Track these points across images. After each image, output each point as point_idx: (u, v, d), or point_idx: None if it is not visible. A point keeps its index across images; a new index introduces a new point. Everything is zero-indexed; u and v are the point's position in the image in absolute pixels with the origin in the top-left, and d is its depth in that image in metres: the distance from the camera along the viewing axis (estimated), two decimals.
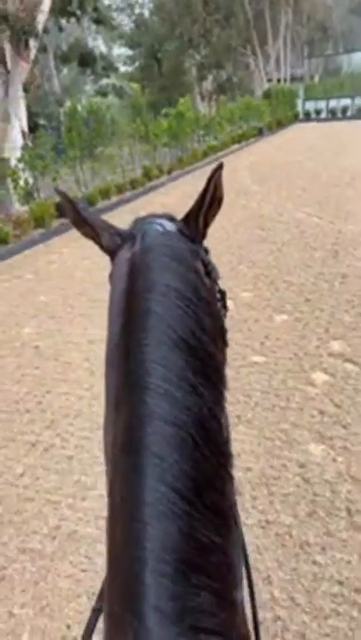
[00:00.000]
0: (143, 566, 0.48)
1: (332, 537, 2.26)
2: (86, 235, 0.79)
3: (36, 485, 2.76)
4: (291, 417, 3.10)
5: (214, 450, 0.59)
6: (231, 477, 0.62)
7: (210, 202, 0.75)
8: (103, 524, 2.41)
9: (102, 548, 2.28)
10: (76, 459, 2.94)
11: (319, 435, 2.93)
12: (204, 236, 0.77)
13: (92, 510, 2.54)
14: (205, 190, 0.74)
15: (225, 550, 0.56)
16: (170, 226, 0.74)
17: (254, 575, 1.06)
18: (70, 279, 6.07)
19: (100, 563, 2.24)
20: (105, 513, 2.06)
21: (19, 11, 8.48)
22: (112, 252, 0.76)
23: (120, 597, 0.49)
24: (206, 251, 0.79)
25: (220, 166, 0.76)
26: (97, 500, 2.59)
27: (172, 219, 0.77)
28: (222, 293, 0.81)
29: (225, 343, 0.77)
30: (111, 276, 0.75)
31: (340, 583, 2.05)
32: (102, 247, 0.77)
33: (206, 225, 0.76)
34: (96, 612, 0.76)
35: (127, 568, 0.49)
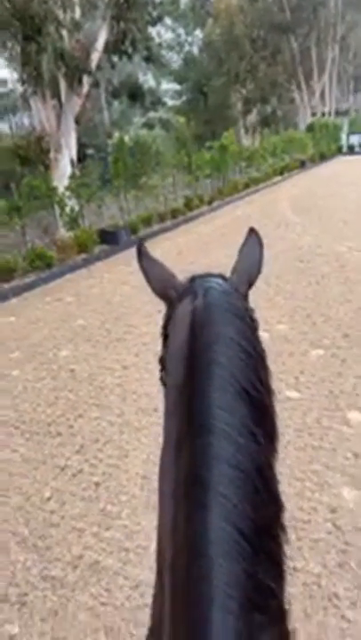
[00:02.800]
0: (210, 603, 0.50)
1: None
2: (148, 279, 0.89)
3: (62, 511, 2.77)
4: (323, 457, 2.99)
5: (271, 498, 0.62)
6: (285, 529, 0.64)
7: (260, 265, 0.86)
8: (126, 556, 2.39)
9: (123, 581, 2.26)
10: (103, 486, 2.93)
11: (352, 478, 2.80)
12: (248, 294, 0.85)
13: (116, 541, 2.51)
14: (258, 255, 0.86)
15: (281, 598, 0.58)
16: (226, 285, 0.80)
17: None
18: (109, 304, 6.19)
19: (121, 597, 2.20)
20: (128, 544, 2.00)
21: (74, 49, 9.01)
22: (169, 302, 0.82)
23: (185, 634, 0.50)
24: (253, 310, 0.85)
25: (253, 230, 0.93)
26: (121, 531, 2.57)
27: (225, 278, 0.83)
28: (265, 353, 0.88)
29: (274, 398, 0.82)
30: (165, 327, 0.82)
31: None
32: (154, 291, 0.87)
33: (251, 284, 0.86)
34: None
35: (194, 604, 0.51)
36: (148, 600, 2.23)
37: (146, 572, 2.30)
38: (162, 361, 0.83)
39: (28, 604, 2.22)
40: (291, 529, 2.51)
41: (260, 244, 0.85)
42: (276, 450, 0.72)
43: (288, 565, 0.66)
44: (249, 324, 0.74)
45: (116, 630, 2.06)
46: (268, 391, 0.71)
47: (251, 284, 0.84)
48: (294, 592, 2.13)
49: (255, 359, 0.69)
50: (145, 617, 2.15)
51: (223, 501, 0.55)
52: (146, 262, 0.88)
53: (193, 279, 0.82)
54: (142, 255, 0.89)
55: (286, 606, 0.61)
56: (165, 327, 0.81)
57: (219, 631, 0.48)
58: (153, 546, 2.45)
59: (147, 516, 2.65)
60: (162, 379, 0.82)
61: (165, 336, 0.82)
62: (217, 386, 0.63)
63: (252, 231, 0.90)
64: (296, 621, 2.01)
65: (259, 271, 0.84)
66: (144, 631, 2.15)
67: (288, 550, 0.66)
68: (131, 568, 2.35)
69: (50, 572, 2.37)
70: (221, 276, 0.83)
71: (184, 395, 0.65)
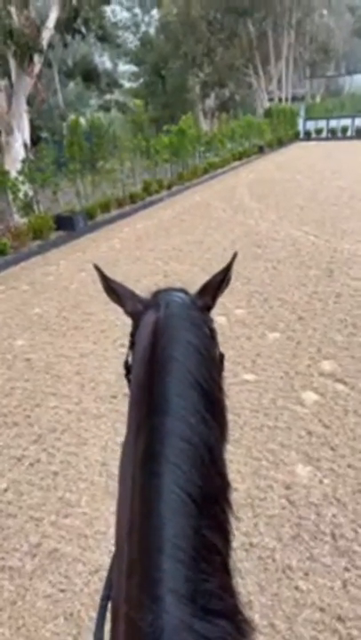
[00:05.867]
0: (161, 553, 0.55)
1: (315, 562, 2.23)
2: (113, 300, 0.97)
3: (20, 501, 2.73)
4: (279, 437, 3.08)
5: (218, 473, 0.70)
6: (229, 503, 0.72)
7: (225, 282, 0.94)
8: (85, 542, 2.39)
9: (82, 567, 2.26)
10: (62, 475, 2.91)
11: (307, 456, 2.91)
12: (212, 306, 0.93)
13: (75, 528, 2.51)
14: (225, 275, 0.93)
15: (225, 555, 0.64)
16: (186, 298, 0.90)
17: None
18: (65, 291, 6.08)
19: (80, 583, 2.21)
20: (87, 531, 2.02)
21: (24, 27, 8.63)
22: (135, 316, 0.91)
23: (139, 584, 0.55)
24: (211, 320, 0.94)
25: (235, 255, 1.01)
26: (80, 518, 2.56)
27: (186, 292, 0.93)
28: (222, 355, 0.95)
29: (223, 393, 0.91)
30: (133, 335, 0.90)
31: (322, 610, 2.02)
32: (126, 311, 0.94)
33: (217, 297, 0.94)
34: (105, 601, 0.82)
35: (146, 556, 0.56)
36: None
37: (105, 556, 2.32)
38: (127, 365, 0.92)
39: None
40: (247, 507, 2.60)
41: (230, 267, 0.94)
42: (225, 439, 0.81)
43: (234, 533, 0.72)
44: (205, 332, 0.84)
45: (76, 615, 2.07)
46: (220, 388, 0.81)
47: (215, 298, 0.93)
48: (249, 566, 2.20)
49: (208, 360, 0.78)
50: None
51: (174, 469, 0.62)
52: (112, 284, 0.96)
53: (157, 293, 0.93)
54: (106, 279, 0.96)
55: (230, 565, 0.66)
56: (132, 335, 0.91)
57: (169, 576, 0.54)
58: (112, 531, 2.46)
59: (106, 502, 2.66)
60: (128, 380, 0.90)
61: (132, 343, 0.91)
62: (173, 377, 0.71)
63: (233, 256, 0.99)
64: (251, 594, 2.08)
65: (221, 287, 0.93)
66: None
67: (234, 522, 0.72)
68: (90, 554, 2.35)
69: (7, 563, 2.35)
70: (183, 290, 0.94)
71: (144, 387, 0.73)
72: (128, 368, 0.92)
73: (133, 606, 0.55)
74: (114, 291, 0.96)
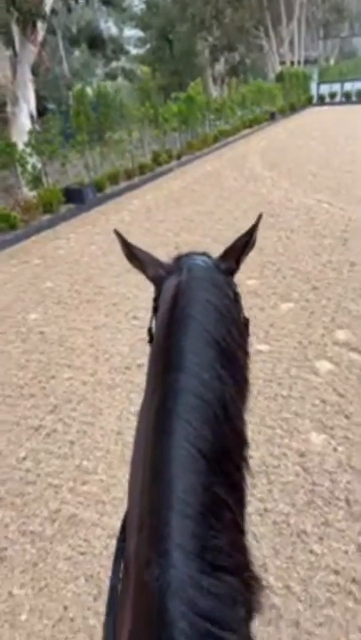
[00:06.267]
0: (170, 510, 0.55)
1: (329, 527, 2.26)
2: (135, 266, 0.96)
3: (38, 469, 2.80)
4: (293, 406, 3.09)
5: (233, 430, 0.68)
6: (245, 461, 0.71)
7: (250, 245, 0.91)
8: (102, 508, 2.44)
9: (101, 531, 2.32)
10: (78, 444, 2.96)
11: (321, 424, 2.91)
12: (236, 270, 0.91)
13: (92, 495, 2.56)
14: (249, 237, 0.90)
15: (236, 513, 0.63)
16: (209, 262, 0.88)
17: None
18: (77, 265, 6.06)
19: (99, 546, 2.27)
20: (105, 497, 2.05)
21: None
22: (157, 281, 0.90)
23: (147, 540, 0.56)
24: (235, 284, 0.93)
25: (260, 216, 0.96)
26: (97, 485, 2.62)
27: (208, 256, 0.92)
28: (246, 320, 0.94)
29: (248, 355, 0.90)
30: (156, 300, 0.90)
31: (337, 573, 2.06)
32: (148, 276, 0.93)
33: (241, 261, 0.92)
34: (121, 542, 0.83)
35: (155, 513, 0.56)
36: None
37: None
38: (150, 332, 0.91)
39: (7, 559, 2.27)
40: (262, 474, 2.62)
41: (255, 229, 0.91)
42: (245, 396, 0.80)
43: (249, 491, 0.70)
44: (227, 293, 0.82)
45: (96, 576, 2.14)
46: (241, 348, 0.79)
47: (239, 261, 0.91)
48: (264, 531, 2.24)
49: (228, 319, 0.77)
50: None
51: (185, 425, 0.62)
52: (133, 250, 0.94)
53: (179, 258, 0.91)
54: (128, 246, 0.94)
55: (242, 523, 0.66)
56: (155, 300, 0.90)
57: (176, 532, 0.53)
58: None
59: (122, 469, 2.70)
60: (150, 346, 0.89)
61: (155, 309, 0.90)
62: (190, 335, 0.71)
63: (258, 218, 0.96)
64: (266, 558, 2.13)
65: (245, 250, 0.91)
66: None
67: (249, 479, 0.72)
68: (107, 519, 2.41)
69: (28, 528, 2.42)
70: (205, 254, 0.92)
71: (162, 345, 0.74)
72: (152, 334, 0.90)
73: (141, 561, 0.55)
74: (135, 257, 0.95)
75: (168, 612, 0.48)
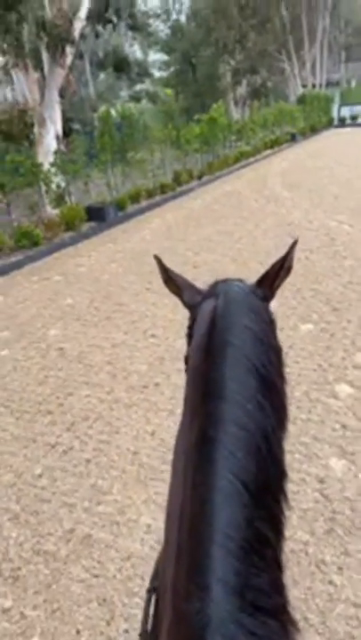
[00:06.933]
0: (212, 543, 0.54)
1: (350, 557, 2.19)
2: (172, 291, 0.97)
3: (53, 487, 2.79)
4: (312, 430, 3.03)
5: (274, 463, 0.67)
6: (285, 494, 0.69)
7: (285, 271, 0.89)
8: (117, 529, 2.42)
9: (115, 554, 2.29)
10: (94, 462, 2.95)
11: (341, 449, 2.85)
12: (272, 297, 0.90)
13: (107, 515, 2.54)
14: (283, 262, 0.88)
15: (277, 549, 0.62)
16: (245, 287, 0.87)
17: None
18: (97, 282, 6.13)
19: (112, 569, 2.24)
20: (119, 518, 2.03)
21: (56, 18, 8.67)
22: (193, 307, 0.90)
23: (187, 572, 0.54)
24: (271, 312, 0.92)
25: (296, 242, 0.94)
26: (112, 505, 2.60)
27: (244, 282, 0.91)
28: (280, 349, 0.91)
29: (285, 383, 0.88)
30: (191, 327, 0.89)
31: (356, 605, 1.98)
32: (183, 302, 0.93)
33: (277, 288, 0.90)
34: (151, 592, 0.82)
35: (196, 545, 0.55)
36: (140, 571, 2.28)
37: (137, 544, 2.34)
38: (187, 360, 0.89)
39: (20, 579, 2.25)
40: None
41: (289, 255, 0.89)
42: (284, 425, 0.78)
43: (286, 526, 0.68)
44: (265, 319, 0.81)
45: (109, 600, 2.10)
46: (281, 376, 0.78)
47: (274, 288, 0.89)
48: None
49: (267, 346, 0.76)
50: (136, 587, 2.19)
51: (229, 455, 0.60)
52: (171, 275, 0.96)
53: (215, 284, 0.91)
54: (166, 271, 0.97)
55: (281, 560, 0.64)
56: (190, 327, 0.89)
57: (218, 566, 0.52)
58: (143, 519, 2.48)
59: (137, 490, 2.68)
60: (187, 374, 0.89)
61: (190, 336, 0.88)
62: (230, 362, 0.69)
63: (293, 244, 0.94)
64: None
65: (280, 276, 0.89)
66: (136, 600, 2.19)
67: (287, 514, 0.70)
68: (122, 541, 2.38)
69: (42, 547, 2.40)
70: (240, 280, 0.92)
71: (201, 371, 0.72)
72: (187, 362, 0.89)
73: (180, 594, 0.54)
74: (173, 281, 0.96)
75: None
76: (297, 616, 1.76)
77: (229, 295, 0.82)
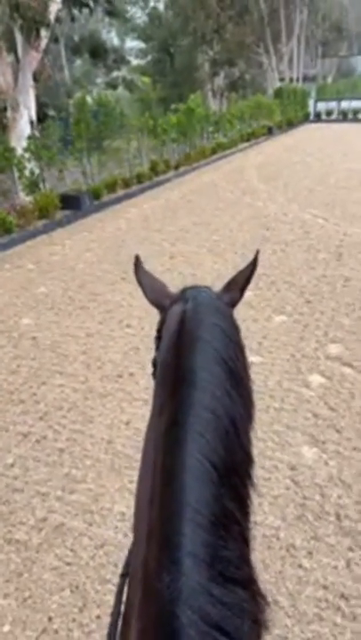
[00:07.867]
0: (181, 518, 0.55)
1: (319, 541, 2.25)
2: (142, 290, 1.02)
3: (26, 476, 2.76)
4: (284, 419, 3.08)
5: (241, 447, 0.69)
6: (251, 478, 0.71)
7: (251, 279, 0.96)
8: (90, 518, 2.41)
9: (88, 541, 2.29)
10: (67, 451, 2.93)
11: (312, 438, 2.91)
12: (239, 300, 0.96)
13: (80, 504, 2.53)
14: (252, 270, 0.96)
15: (244, 527, 0.64)
16: (212, 293, 0.93)
17: None
18: (71, 271, 6.05)
19: (85, 557, 2.24)
20: (93, 507, 2.02)
21: (30, 0, 8.41)
22: (162, 310, 0.95)
23: (157, 548, 0.55)
24: (235, 319, 0.96)
25: (258, 252, 1.03)
26: (85, 494, 2.59)
27: (210, 289, 0.96)
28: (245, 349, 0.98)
29: (250, 380, 0.91)
30: (160, 330, 0.93)
31: (325, 588, 2.04)
32: (148, 299, 1.00)
33: (242, 294, 0.96)
34: (124, 577, 0.83)
35: (166, 521, 0.56)
36: (113, 558, 2.27)
37: (110, 532, 2.34)
38: (154, 363, 0.92)
39: None
40: None
41: (255, 265, 0.98)
42: (251, 416, 0.80)
43: (252, 509, 0.69)
44: (232, 322, 0.85)
45: (82, 587, 2.10)
46: (246, 371, 0.81)
47: (241, 294, 0.96)
48: (253, 544, 2.22)
49: (235, 343, 0.79)
50: (109, 574, 2.19)
51: (198, 437, 0.62)
52: (141, 274, 1.03)
53: (184, 290, 0.94)
54: (138, 268, 1.03)
55: (249, 537, 0.66)
56: (159, 330, 0.92)
57: (188, 540, 0.53)
58: (117, 507, 2.49)
59: (111, 479, 2.68)
60: (154, 377, 0.90)
61: (159, 338, 0.91)
62: (200, 353, 0.72)
63: (257, 253, 1.02)
64: None
65: (247, 283, 0.97)
66: (109, 587, 2.19)
67: (254, 497, 0.71)
68: (95, 529, 2.38)
69: (14, 536, 2.38)
70: (208, 287, 0.96)
71: (170, 365, 0.75)
72: (155, 365, 0.92)
73: (151, 569, 0.55)
74: (141, 282, 1.02)
75: (178, 619, 0.48)
76: (268, 599, 1.79)
77: (198, 299, 0.86)
